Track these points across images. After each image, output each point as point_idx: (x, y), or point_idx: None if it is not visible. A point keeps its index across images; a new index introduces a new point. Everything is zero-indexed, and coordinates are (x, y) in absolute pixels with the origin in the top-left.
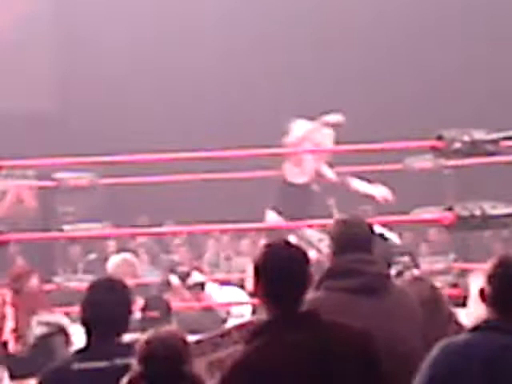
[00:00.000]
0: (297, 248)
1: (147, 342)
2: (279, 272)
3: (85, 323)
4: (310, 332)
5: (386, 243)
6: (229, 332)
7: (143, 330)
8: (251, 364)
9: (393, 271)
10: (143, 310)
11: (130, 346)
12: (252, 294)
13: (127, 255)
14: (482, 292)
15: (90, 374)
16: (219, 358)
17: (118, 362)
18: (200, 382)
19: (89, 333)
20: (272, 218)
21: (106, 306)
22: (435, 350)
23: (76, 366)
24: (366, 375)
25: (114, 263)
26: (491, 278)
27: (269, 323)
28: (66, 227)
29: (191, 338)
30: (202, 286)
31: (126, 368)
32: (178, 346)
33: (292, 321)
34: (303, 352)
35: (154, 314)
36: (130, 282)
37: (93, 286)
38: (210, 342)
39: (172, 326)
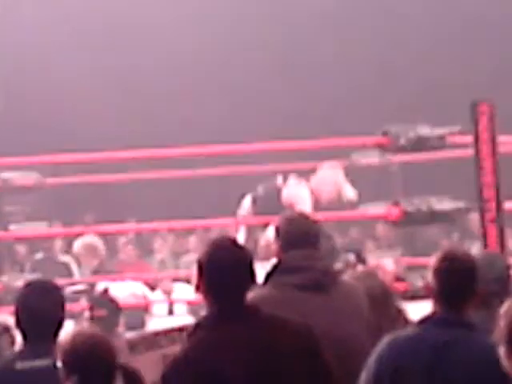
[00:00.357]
0: (240, 246)
1: (71, 349)
2: (221, 269)
3: (19, 326)
4: (250, 325)
5: (331, 241)
6: (187, 327)
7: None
8: (191, 358)
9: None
10: (90, 308)
11: None
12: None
13: (91, 238)
14: (427, 286)
15: (33, 373)
16: (174, 351)
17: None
18: (136, 377)
19: (25, 335)
20: (246, 203)
21: (39, 310)
22: (381, 345)
23: (19, 365)
24: (308, 366)
25: (78, 246)
26: (436, 271)
27: (209, 318)
28: (12, 227)
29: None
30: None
31: None
32: (104, 346)
33: (232, 315)
34: (243, 345)
35: (102, 312)
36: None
37: (25, 290)
38: (168, 336)
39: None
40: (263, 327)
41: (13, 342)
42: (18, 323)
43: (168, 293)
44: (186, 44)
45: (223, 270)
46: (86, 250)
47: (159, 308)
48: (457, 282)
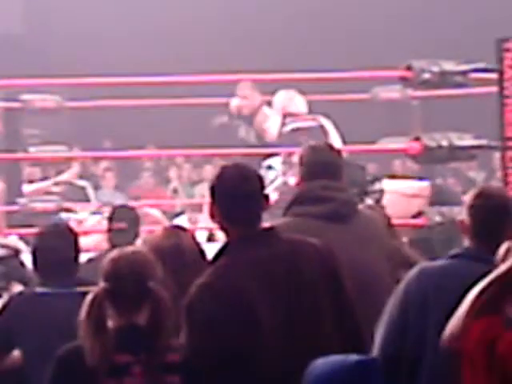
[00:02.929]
0: (250, 169)
1: (112, 260)
2: (232, 192)
3: (36, 266)
4: (271, 247)
5: (360, 171)
6: None
7: (110, 240)
8: (215, 285)
9: (369, 200)
10: (109, 220)
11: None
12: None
13: None
14: (462, 223)
15: (52, 298)
16: None
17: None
18: (162, 300)
19: (43, 272)
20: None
21: (54, 252)
22: (411, 274)
23: (39, 290)
24: (329, 286)
25: None
26: (471, 209)
27: (228, 244)
28: (31, 149)
29: None
30: None
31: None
32: (142, 263)
33: (251, 239)
34: (265, 267)
35: (121, 224)
36: None
37: (41, 233)
38: None
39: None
40: (285, 248)
41: (22, 264)
42: (35, 263)
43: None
44: None
45: (234, 192)
46: None
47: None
48: (490, 218)
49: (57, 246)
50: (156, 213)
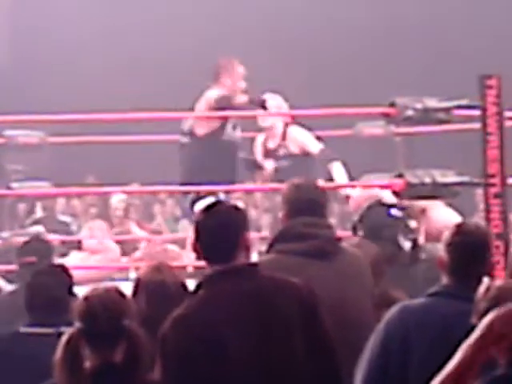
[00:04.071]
0: (233, 207)
1: (85, 299)
2: (211, 229)
3: (27, 302)
4: (249, 283)
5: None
6: None
7: (21, 277)
8: (189, 316)
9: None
10: (19, 254)
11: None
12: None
13: None
14: (440, 260)
15: (36, 338)
16: None
17: (63, 329)
18: (137, 337)
19: (32, 309)
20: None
21: (47, 291)
22: (391, 313)
23: (22, 329)
24: (306, 324)
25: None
26: (449, 246)
27: (207, 277)
28: (14, 185)
29: None
30: None
31: None
32: (115, 302)
33: (229, 274)
34: (240, 302)
35: (31, 258)
36: None
37: (36, 272)
38: None
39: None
40: (263, 284)
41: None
42: (27, 301)
43: None
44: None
45: (215, 229)
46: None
47: None
48: (468, 256)
49: (50, 285)
50: (175, 249)
